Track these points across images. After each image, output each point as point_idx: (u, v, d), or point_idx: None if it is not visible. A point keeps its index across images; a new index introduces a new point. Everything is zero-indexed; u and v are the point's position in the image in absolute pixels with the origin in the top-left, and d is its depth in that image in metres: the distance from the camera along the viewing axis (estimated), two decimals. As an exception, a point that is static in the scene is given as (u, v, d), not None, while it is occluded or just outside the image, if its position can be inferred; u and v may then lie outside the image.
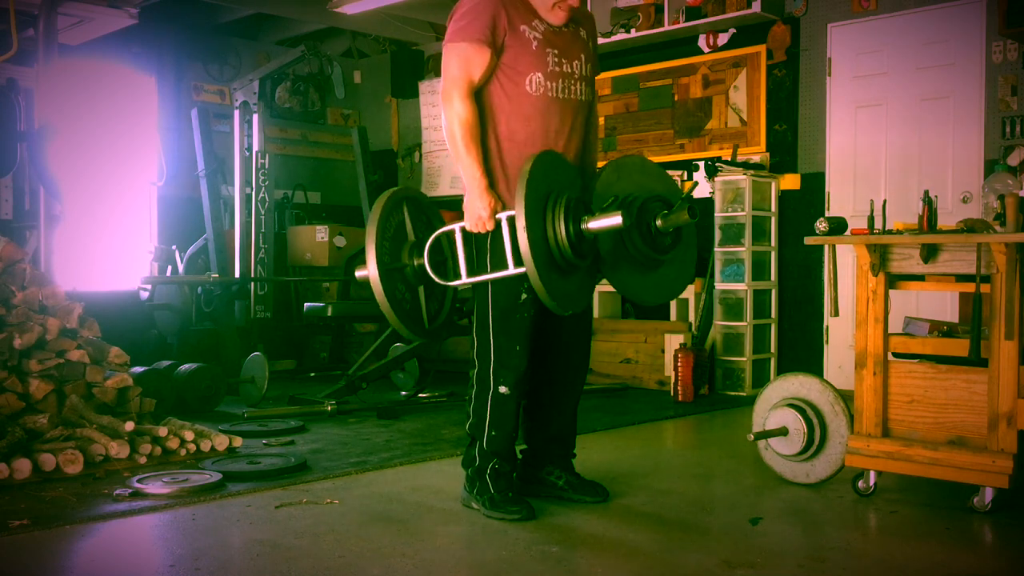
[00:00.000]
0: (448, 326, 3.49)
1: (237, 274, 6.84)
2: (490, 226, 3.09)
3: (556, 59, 3.17)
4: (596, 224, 3.00)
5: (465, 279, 3.16)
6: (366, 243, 3.14)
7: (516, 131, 3.15)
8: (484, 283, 3.16)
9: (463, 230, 3.16)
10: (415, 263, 3.25)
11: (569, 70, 3.21)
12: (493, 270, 3.12)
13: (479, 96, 3.16)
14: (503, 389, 3.18)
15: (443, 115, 3.15)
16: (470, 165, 3.09)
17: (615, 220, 2.98)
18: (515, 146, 3.15)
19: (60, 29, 6.37)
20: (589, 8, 6.88)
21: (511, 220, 3.02)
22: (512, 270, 3.04)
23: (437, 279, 3.21)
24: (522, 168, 2.96)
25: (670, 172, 6.76)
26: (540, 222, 2.95)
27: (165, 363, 5.40)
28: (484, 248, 3.16)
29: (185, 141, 7.40)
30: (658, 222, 3.14)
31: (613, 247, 3.15)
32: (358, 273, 3.25)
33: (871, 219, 3.43)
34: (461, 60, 3.11)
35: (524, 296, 3.12)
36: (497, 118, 3.16)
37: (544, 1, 3.16)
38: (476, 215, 3.09)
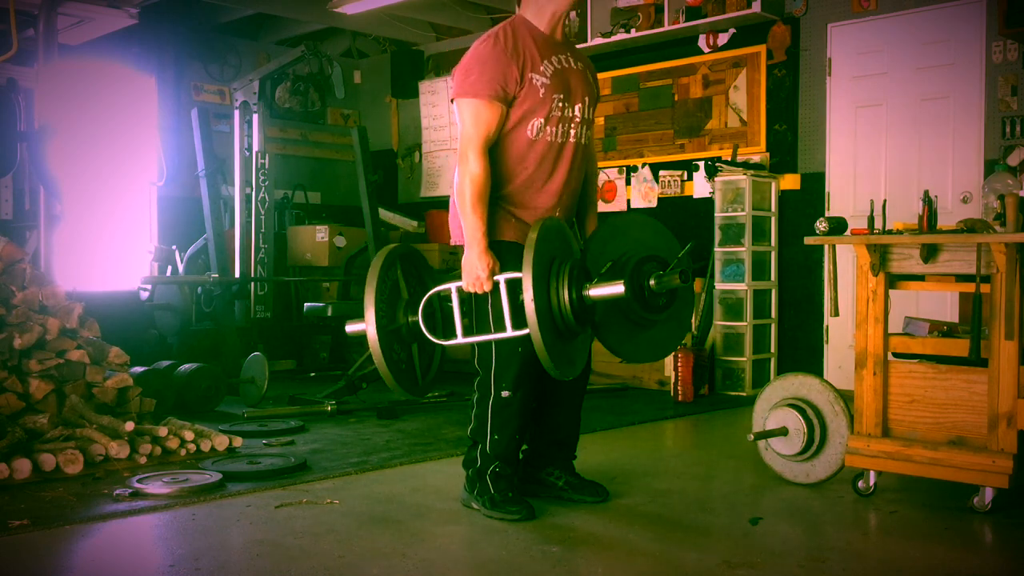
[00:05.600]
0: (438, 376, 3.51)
1: (237, 274, 6.84)
2: (487, 287, 3.07)
3: (560, 103, 3.16)
4: (598, 292, 2.98)
5: (461, 339, 3.14)
6: (365, 305, 3.12)
7: (512, 173, 3.16)
8: (484, 308, 3.14)
9: (459, 289, 3.14)
10: (409, 320, 3.24)
11: (571, 114, 3.21)
12: (493, 331, 3.10)
13: None
14: (505, 393, 3.17)
15: (456, 170, 3.14)
16: (474, 224, 3.07)
17: (617, 289, 2.97)
18: (512, 188, 3.16)
19: (60, 29, 6.37)
20: (589, 8, 6.91)
21: (510, 283, 3.01)
22: (510, 332, 3.01)
23: (432, 338, 3.20)
24: (528, 236, 2.95)
25: (670, 172, 6.79)
26: (544, 290, 2.93)
27: (165, 363, 5.39)
28: (484, 309, 3.15)
29: (185, 141, 7.40)
30: (652, 282, 3.09)
31: (606, 307, 3.12)
32: (349, 328, 3.25)
33: (871, 219, 3.43)
34: (474, 118, 3.09)
35: (521, 300, 3.12)
36: (494, 160, 3.15)
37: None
38: (475, 275, 3.07)
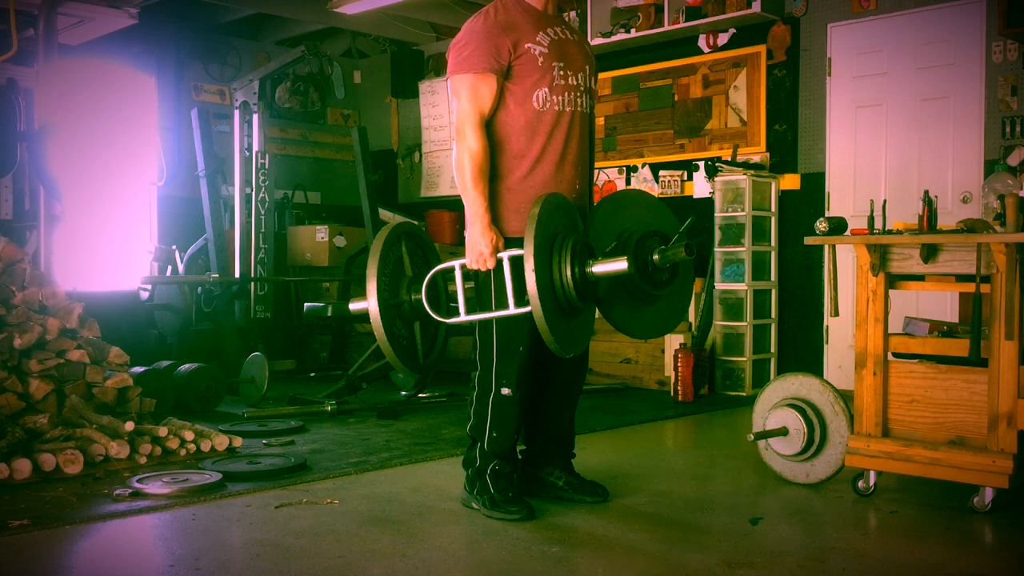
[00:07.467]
0: (441, 358, 3.49)
1: (237, 274, 6.84)
2: (491, 264, 3.06)
3: (561, 72, 3.16)
4: (601, 268, 2.98)
5: (464, 316, 3.13)
6: (367, 278, 3.11)
7: (523, 147, 3.14)
8: (487, 286, 3.14)
9: (463, 267, 3.13)
10: (412, 298, 3.23)
11: (574, 82, 3.20)
12: (496, 308, 3.10)
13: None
14: (505, 391, 3.17)
15: (455, 147, 3.14)
16: (475, 200, 3.07)
17: (620, 265, 2.96)
18: (523, 162, 3.15)
19: (60, 29, 6.36)
20: (589, 8, 6.91)
21: (513, 260, 3.00)
22: (513, 310, 3.00)
23: (435, 315, 3.19)
24: (531, 211, 2.94)
25: (670, 172, 6.79)
26: (547, 265, 2.92)
27: (165, 363, 5.39)
28: (486, 286, 3.14)
29: (185, 141, 7.40)
30: (655, 257, 3.09)
31: (609, 283, 3.12)
32: (352, 306, 3.24)
33: (871, 219, 3.43)
34: (470, 93, 3.09)
35: (525, 297, 3.11)
36: (504, 135, 3.15)
37: None
38: (478, 252, 3.06)
